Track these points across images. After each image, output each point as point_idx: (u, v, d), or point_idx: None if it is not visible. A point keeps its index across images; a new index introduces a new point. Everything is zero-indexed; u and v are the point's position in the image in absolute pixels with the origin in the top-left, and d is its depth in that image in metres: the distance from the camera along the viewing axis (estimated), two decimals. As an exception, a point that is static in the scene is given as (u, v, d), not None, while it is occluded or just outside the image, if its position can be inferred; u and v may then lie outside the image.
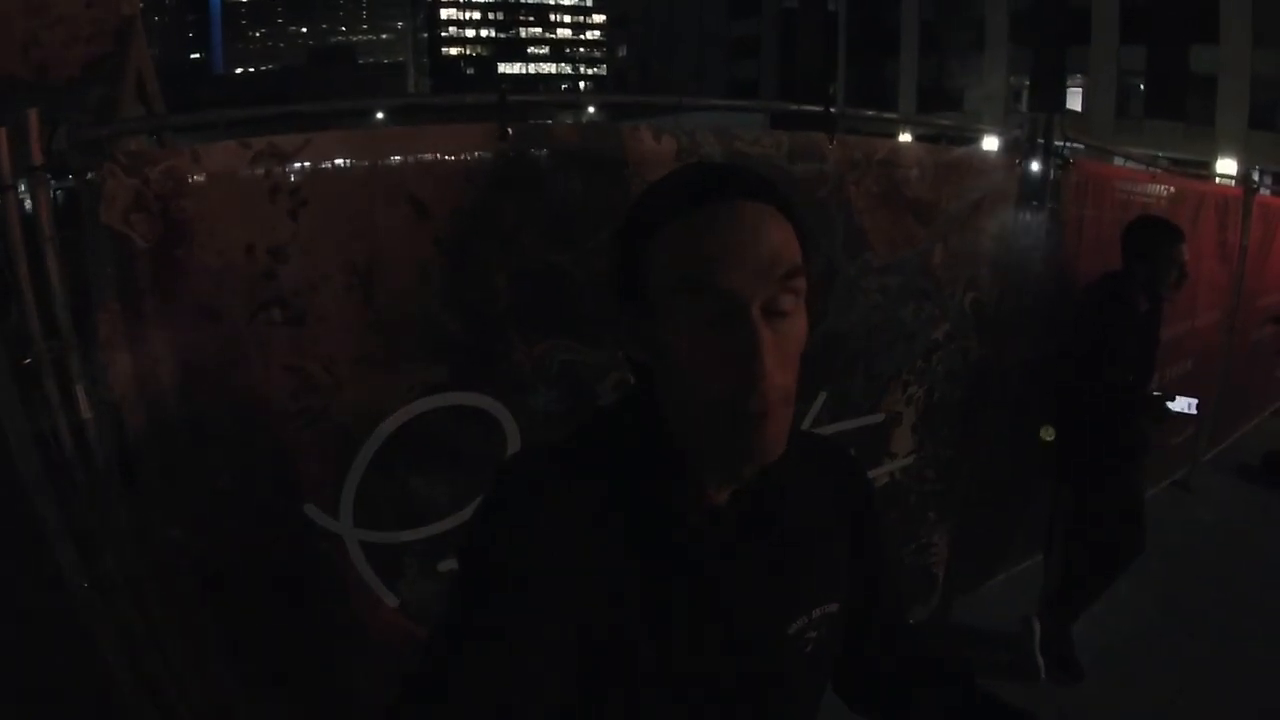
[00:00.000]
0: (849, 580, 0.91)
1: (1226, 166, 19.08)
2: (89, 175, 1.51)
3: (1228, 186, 5.15)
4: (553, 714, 0.69)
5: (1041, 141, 2.95)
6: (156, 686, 1.71)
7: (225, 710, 1.80)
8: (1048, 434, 2.99)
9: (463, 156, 1.85)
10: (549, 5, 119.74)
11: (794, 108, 2.45)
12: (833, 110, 2.31)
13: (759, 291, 0.70)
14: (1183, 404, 2.82)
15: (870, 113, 2.89)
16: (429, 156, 1.82)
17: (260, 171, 1.65)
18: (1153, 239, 2.82)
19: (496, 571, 0.71)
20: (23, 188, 1.51)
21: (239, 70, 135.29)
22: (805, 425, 2.55)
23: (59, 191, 1.56)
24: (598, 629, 0.73)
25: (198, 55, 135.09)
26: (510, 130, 1.87)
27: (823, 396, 2.60)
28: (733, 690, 0.80)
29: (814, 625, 0.85)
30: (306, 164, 1.69)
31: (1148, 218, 2.94)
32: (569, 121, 2.34)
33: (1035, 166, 2.96)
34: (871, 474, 2.87)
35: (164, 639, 1.70)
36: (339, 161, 1.73)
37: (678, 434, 0.77)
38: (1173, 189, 3.95)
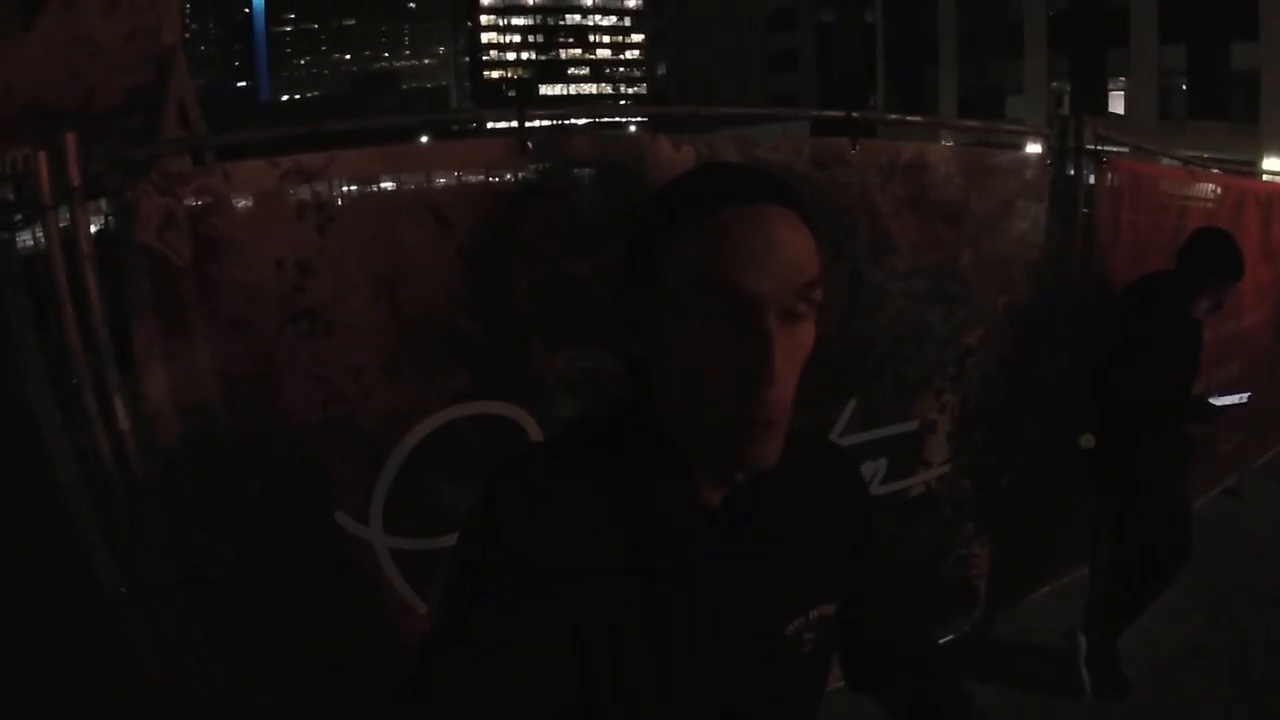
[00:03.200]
0: (850, 582, 0.90)
1: (1272, 164, 18.44)
2: (125, 195, 1.57)
3: (1273, 183, 5.00)
4: (547, 716, 0.69)
5: (1072, 145, 2.90)
6: (188, 690, 1.75)
7: (255, 714, 1.83)
8: (1087, 441, 2.91)
9: (484, 169, 1.89)
10: (588, 26, 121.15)
11: (814, 114, 2.45)
12: (854, 115, 2.30)
13: (778, 298, 0.69)
14: (1230, 397, 2.74)
15: (893, 116, 2.87)
16: (452, 170, 1.86)
17: (288, 189, 1.71)
18: (1213, 257, 2.75)
19: (491, 572, 0.71)
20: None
21: (284, 97, 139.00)
22: (835, 433, 2.53)
23: (104, 216, 1.62)
24: (592, 629, 0.73)
25: (244, 83, 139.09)
26: (530, 143, 1.90)
27: (852, 404, 2.57)
28: (730, 691, 0.79)
29: (811, 626, 0.84)
30: (333, 181, 1.74)
31: (1217, 233, 2.84)
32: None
33: (1066, 168, 2.91)
34: (906, 483, 2.83)
35: (197, 644, 1.74)
36: (364, 177, 1.78)
37: (673, 431, 0.76)
38: (1214, 187, 3.84)
